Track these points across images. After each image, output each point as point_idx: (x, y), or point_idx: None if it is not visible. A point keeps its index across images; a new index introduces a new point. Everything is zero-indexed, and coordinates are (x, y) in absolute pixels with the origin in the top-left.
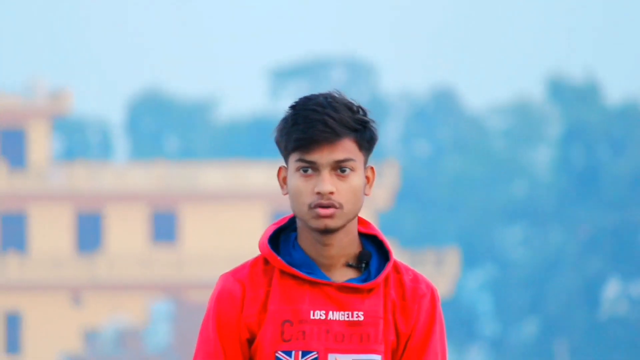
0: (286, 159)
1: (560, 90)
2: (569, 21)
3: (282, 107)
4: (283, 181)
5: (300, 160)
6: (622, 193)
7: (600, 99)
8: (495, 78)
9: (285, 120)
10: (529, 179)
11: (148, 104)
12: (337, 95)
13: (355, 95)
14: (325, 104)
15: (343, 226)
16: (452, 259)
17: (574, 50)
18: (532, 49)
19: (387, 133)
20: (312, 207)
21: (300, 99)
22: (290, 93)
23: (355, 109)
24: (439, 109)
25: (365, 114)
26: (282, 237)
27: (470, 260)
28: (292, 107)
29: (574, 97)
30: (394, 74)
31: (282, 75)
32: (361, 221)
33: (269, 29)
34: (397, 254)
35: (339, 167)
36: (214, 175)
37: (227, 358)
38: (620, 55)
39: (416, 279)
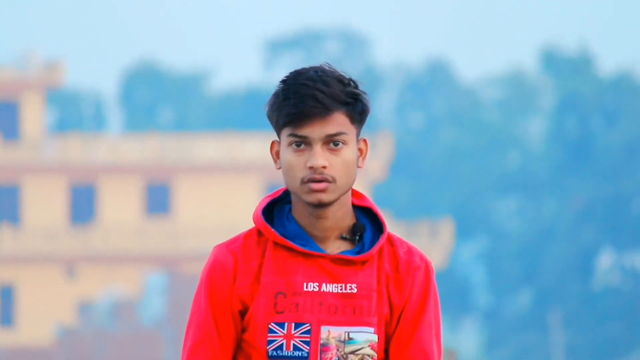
0: (278, 134)
1: (554, 62)
2: None
3: (276, 78)
4: (276, 155)
5: (292, 135)
6: (615, 164)
7: (594, 70)
8: (489, 49)
9: (276, 95)
10: (523, 150)
11: (142, 76)
12: (327, 69)
13: (350, 67)
14: (315, 77)
15: (337, 199)
16: (446, 230)
17: (567, 21)
18: (526, 20)
19: (381, 104)
20: (304, 181)
21: (291, 73)
22: (285, 65)
23: (346, 81)
24: (433, 81)
25: (356, 87)
26: (276, 209)
27: (464, 232)
28: (283, 82)
29: (567, 68)
30: (388, 46)
31: (276, 47)
32: (355, 193)
33: (263, 0)
34: (391, 226)
35: (331, 141)
36: (208, 147)
37: (219, 329)
38: (613, 26)
39: (410, 251)
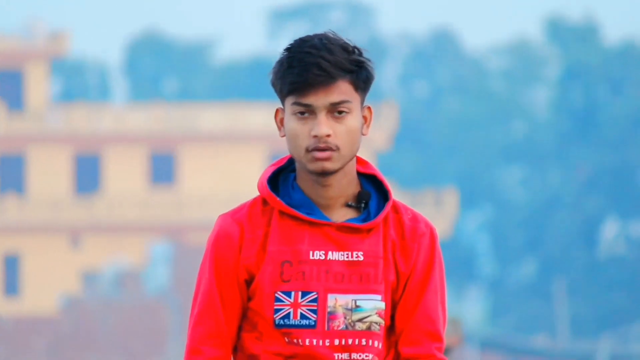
0: (282, 102)
1: (559, 31)
2: None
3: (281, 48)
4: (280, 123)
5: (296, 103)
6: (620, 133)
7: (599, 39)
8: (495, 18)
9: (280, 62)
10: (528, 119)
11: (147, 46)
12: (332, 36)
13: (354, 37)
14: (320, 45)
15: (341, 168)
16: (451, 199)
17: None
18: None
19: (386, 74)
20: (309, 150)
21: (295, 41)
22: (289, 34)
23: (350, 49)
24: (438, 50)
25: (360, 54)
26: (281, 178)
27: (468, 201)
28: (287, 50)
29: (572, 37)
30: (392, 15)
31: (281, 17)
32: (360, 161)
33: None
34: (396, 195)
35: (335, 110)
36: (213, 117)
37: (224, 298)
38: None
39: (415, 218)
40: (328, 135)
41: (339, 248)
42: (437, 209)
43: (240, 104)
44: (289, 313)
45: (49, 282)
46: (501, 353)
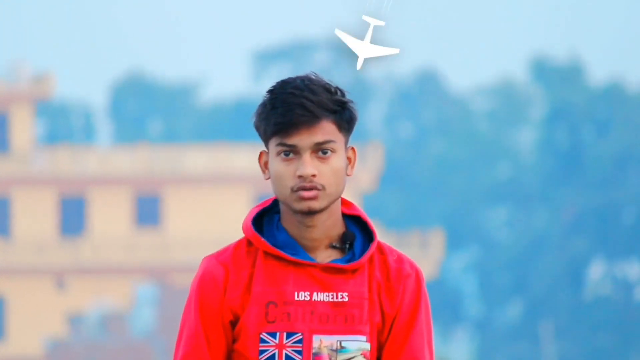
0: (266, 144)
1: (544, 71)
2: (552, 1)
3: (265, 90)
4: (264, 166)
5: (280, 144)
6: (606, 174)
7: (584, 79)
8: (479, 59)
9: (263, 105)
10: (513, 160)
11: (131, 88)
12: (314, 77)
13: (339, 77)
14: (302, 86)
15: (326, 207)
16: (437, 240)
17: (557, 30)
18: (516, 30)
19: (371, 115)
20: (294, 190)
21: (278, 83)
22: (274, 76)
23: (333, 90)
24: (423, 91)
25: (343, 95)
26: (266, 219)
27: (454, 242)
28: (270, 92)
29: (557, 78)
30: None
31: (265, 58)
32: (345, 202)
33: (252, 11)
34: (382, 236)
35: (320, 149)
36: (198, 159)
37: (209, 340)
38: (603, 35)
39: (400, 259)
40: (313, 175)
41: (324, 289)
42: (423, 250)
43: (225, 145)
44: (274, 354)
45: (34, 324)
46: None
